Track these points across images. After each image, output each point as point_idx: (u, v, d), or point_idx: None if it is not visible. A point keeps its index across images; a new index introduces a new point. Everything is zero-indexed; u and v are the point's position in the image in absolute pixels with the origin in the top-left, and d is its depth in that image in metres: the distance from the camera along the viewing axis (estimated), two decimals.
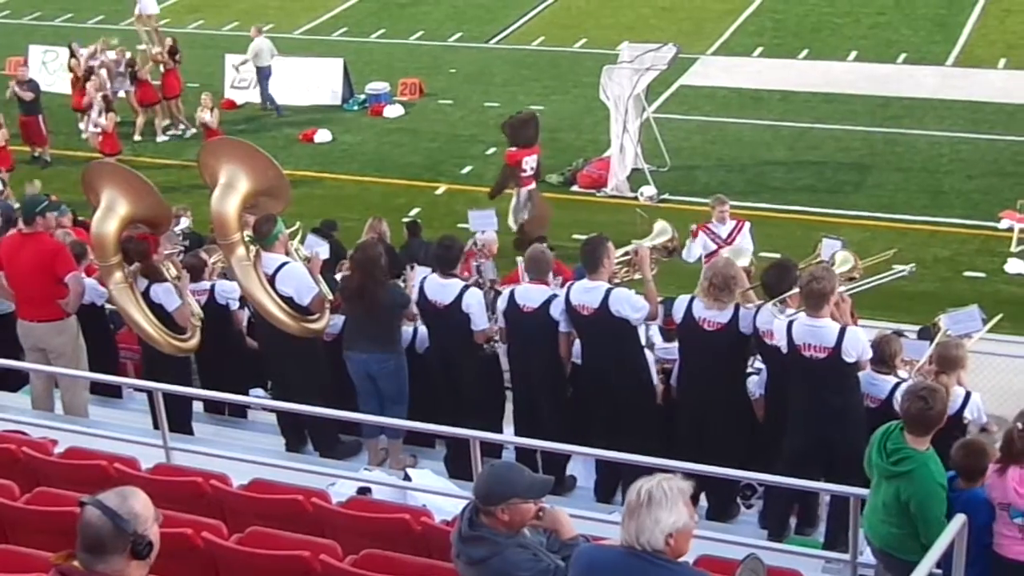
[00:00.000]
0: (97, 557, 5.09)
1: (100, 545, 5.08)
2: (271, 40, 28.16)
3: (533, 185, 20.24)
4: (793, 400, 9.84)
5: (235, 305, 12.36)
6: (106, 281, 11.56)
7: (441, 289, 11.06)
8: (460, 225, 16.56)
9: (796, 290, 9.85)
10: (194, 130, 26.22)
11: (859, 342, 9.41)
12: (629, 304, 10.30)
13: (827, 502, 9.98)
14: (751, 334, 10.15)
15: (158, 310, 11.55)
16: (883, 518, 7.88)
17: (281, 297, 11.27)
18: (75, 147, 25.19)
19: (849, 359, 9.39)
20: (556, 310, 10.62)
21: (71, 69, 26.74)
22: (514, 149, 20.10)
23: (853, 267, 11.31)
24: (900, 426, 7.80)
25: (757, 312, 10.10)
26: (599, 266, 10.43)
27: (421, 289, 11.24)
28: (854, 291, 10.95)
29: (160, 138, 26.69)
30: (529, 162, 20.03)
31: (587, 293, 10.40)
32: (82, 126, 25.86)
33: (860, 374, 9.80)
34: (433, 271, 11.34)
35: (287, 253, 11.60)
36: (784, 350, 9.62)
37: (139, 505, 5.17)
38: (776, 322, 9.75)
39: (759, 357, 10.56)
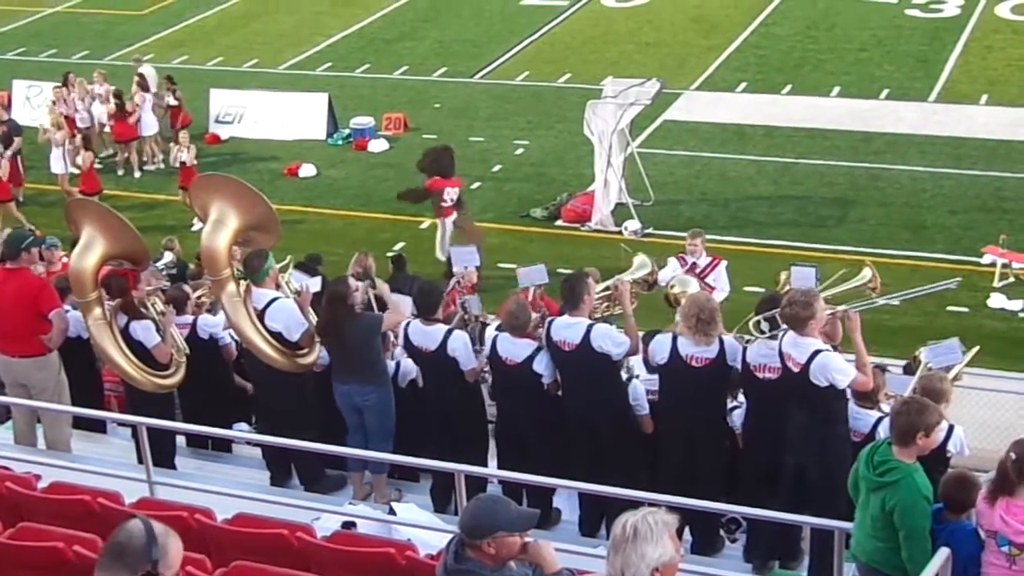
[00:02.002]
0: (111, 565, 5.04)
1: (121, 556, 5.03)
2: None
3: (455, 215, 20.56)
4: (770, 420, 9.94)
5: (225, 340, 12.34)
6: (84, 317, 11.55)
7: (425, 335, 11.10)
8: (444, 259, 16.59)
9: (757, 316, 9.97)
10: (162, 165, 26.38)
11: (828, 369, 9.32)
12: (610, 339, 10.30)
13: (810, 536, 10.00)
14: (735, 366, 10.14)
15: (137, 347, 11.54)
16: (870, 532, 7.92)
17: (270, 332, 11.28)
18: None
19: (817, 383, 9.36)
20: (540, 364, 10.61)
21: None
22: (437, 179, 20.32)
23: (871, 280, 11.26)
24: (888, 441, 7.91)
25: (746, 349, 10.10)
26: (580, 302, 10.44)
27: (406, 335, 11.26)
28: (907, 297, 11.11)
29: (136, 174, 26.57)
30: (451, 193, 20.37)
31: (568, 329, 10.40)
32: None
33: None
34: (416, 316, 11.40)
35: (277, 288, 11.62)
36: (777, 364, 9.68)
37: (174, 549, 5.13)
38: (770, 343, 9.80)
39: (742, 391, 10.59)
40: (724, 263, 16.43)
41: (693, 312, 9.98)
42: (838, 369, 9.35)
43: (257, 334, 11.24)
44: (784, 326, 9.70)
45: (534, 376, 10.61)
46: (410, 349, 11.32)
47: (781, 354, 9.60)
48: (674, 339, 10.13)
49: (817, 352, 9.37)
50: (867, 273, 11.28)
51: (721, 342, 10.02)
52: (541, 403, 10.77)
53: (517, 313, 10.84)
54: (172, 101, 27.33)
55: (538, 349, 10.62)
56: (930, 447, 7.95)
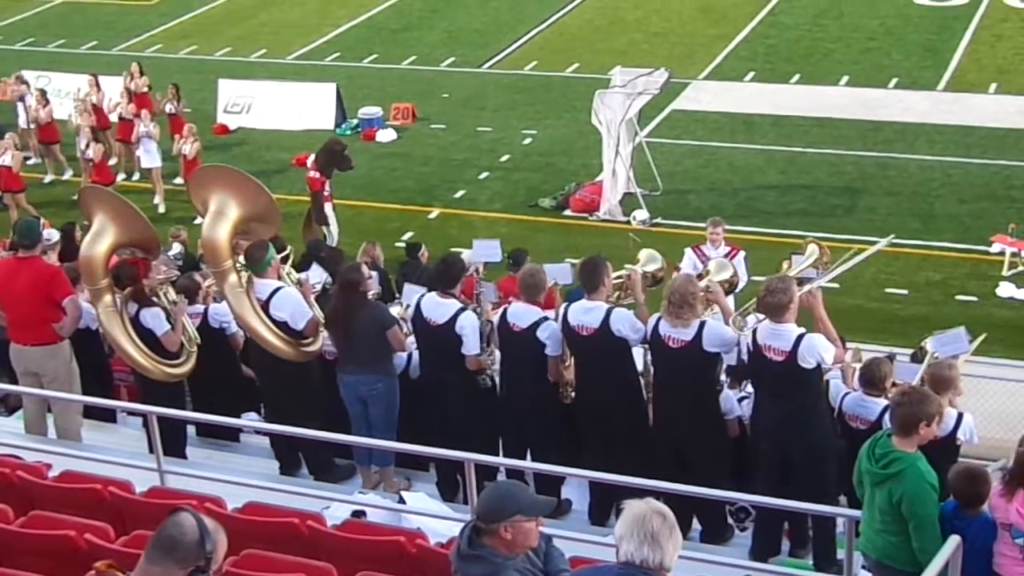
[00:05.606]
0: (161, 559, 5.03)
1: (172, 550, 5.02)
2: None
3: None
4: (756, 409, 10.02)
5: (232, 329, 12.33)
6: (95, 305, 11.58)
7: (437, 308, 10.99)
8: (452, 249, 16.57)
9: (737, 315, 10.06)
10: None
11: (815, 349, 9.43)
12: (629, 324, 10.24)
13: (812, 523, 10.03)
14: (718, 352, 10.10)
15: (147, 335, 11.56)
16: (879, 528, 7.91)
17: (275, 322, 11.28)
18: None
19: (807, 365, 9.43)
20: (543, 333, 10.55)
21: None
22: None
23: (819, 256, 11.33)
24: (888, 433, 7.94)
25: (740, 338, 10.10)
26: (599, 286, 10.37)
27: (417, 306, 11.17)
28: (837, 273, 11.44)
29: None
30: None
31: (587, 313, 10.33)
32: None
33: (850, 396, 9.85)
34: (431, 289, 11.30)
35: (279, 278, 11.62)
36: (749, 350, 9.70)
37: (222, 544, 5.15)
38: (744, 329, 9.86)
39: (751, 381, 10.58)
40: (742, 253, 16.34)
41: (666, 294, 10.02)
42: (824, 347, 9.53)
43: (262, 324, 11.24)
44: (759, 316, 9.79)
45: (538, 344, 10.56)
46: (417, 322, 11.18)
47: (759, 346, 9.62)
48: (658, 318, 10.13)
49: (802, 336, 9.47)
50: (814, 250, 11.38)
51: (700, 327, 9.96)
52: (543, 378, 10.69)
53: (533, 272, 10.88)
54: (170, 108, 25.56)
55: (544, 318, 10.60)
56: (930, 436, 7.95)
